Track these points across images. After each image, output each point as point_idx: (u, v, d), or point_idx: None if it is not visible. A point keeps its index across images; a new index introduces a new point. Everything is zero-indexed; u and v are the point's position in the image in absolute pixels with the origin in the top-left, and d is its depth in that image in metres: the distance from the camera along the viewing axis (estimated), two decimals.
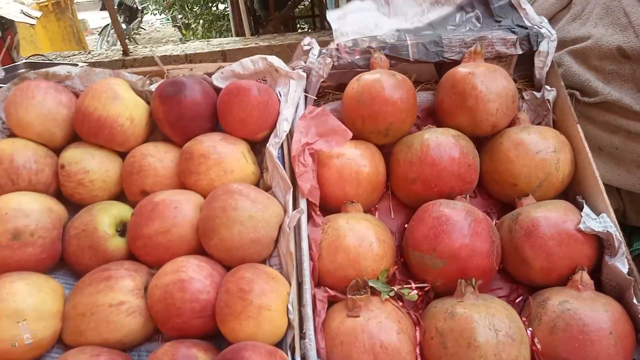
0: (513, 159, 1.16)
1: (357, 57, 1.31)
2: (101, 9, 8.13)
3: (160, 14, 9.88)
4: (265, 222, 1.02)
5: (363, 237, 1.05)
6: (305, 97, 1.28)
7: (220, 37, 7.41)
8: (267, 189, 1.15)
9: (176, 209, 1.05)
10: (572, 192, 1.21)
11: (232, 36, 5.93)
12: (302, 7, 6.15)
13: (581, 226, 1.02)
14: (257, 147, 1.25)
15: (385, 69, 1.27)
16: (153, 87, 1.25)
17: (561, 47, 1.40)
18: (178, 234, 1.03)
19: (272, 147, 1.13)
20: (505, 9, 1.41)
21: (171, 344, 0.90)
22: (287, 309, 0.95)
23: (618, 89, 1.31)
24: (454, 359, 0.89)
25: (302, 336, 0.93)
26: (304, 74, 1.24)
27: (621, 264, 0.98)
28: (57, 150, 1.20)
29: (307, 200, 1.10)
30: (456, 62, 1.30)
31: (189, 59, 3.96)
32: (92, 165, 1.15)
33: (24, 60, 3.07)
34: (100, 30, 8.90)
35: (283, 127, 1.16)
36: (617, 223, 1.05)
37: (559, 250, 1.02)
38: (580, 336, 0.91)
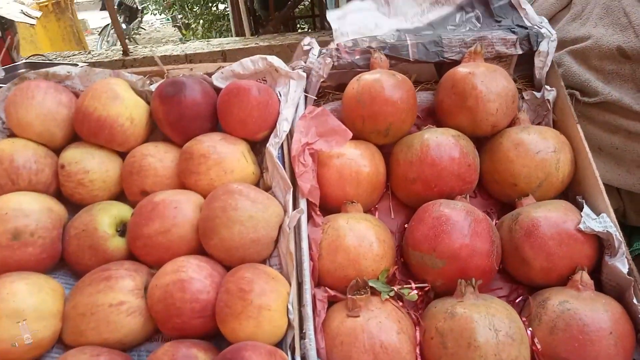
0: (513, 159, 1.15)
1: (357, 57, 1.31)
2: (101, 9, 8.13)
3: (160, 14, 9.88)
4: (265, 222, 1.02)
5: (363, 237, 1.05)
6: (305, 97, 1.28)
7: (220, 37, 7.41)
8: (267, 189, 1.15)
9: (176, 209, 1.04)
10: (572, 192, 1.21)
11: (232, 36, 5.93)
12: (302, 7, 6.15)
13: (581, 226, 1.02)
14: (257, 147, 1.25)
15: (385, 69, 1.27)
16: (153, 87, 1.25)
17: (561, 47, 1.41)
18: (178, 234, 1.03)
19: (272, 147, 1.13)
20: (505, 9, 1.41)
21: (171, 344, 0.90)
22: (287, 309, 0.95)
23: (618, 89, 1.31)
24: (454, 359, 0.89)
25: (302, 336, 0.93)
26: (304, 74, 1.24)
27: (621, 264, 0.98)
28: (57, 150, 1.20)
29: (307, 200, 1.10)
30: (456, 62, 1.30)
31: (189, 59, 3.96)
32: (92, 165, 1.15)
33: (24, 60, 3.07)
34: (100, 30, 8.90)
35: (283, 127, 1.16)
36: (617, 223, 1.05)
37: (559, 250, 1.02)
38: (580, 336, 0.91)
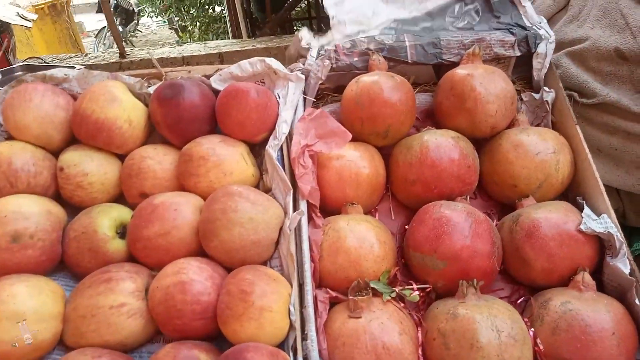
0: (512, 160, 1.16)
1: (356, 59, 1.31)
2: (97, 12, 8.09)
3: (157, 17, 9.87)
4: (266, 224, 1.02)
5: (364, 238, 1.05)
6: (304, 99, 1.28)
7: (216, 39, 7.39)
8: (267, 190, 1.15)
9: (176, 211, 1.04)
10: (572, 193, 1.21)
11: (228, 38, 5.93)
12: (299, 9, 6.14)
13: (582, 227, 1.02)
14: (257, 149, 1.25)
15: (384, 70, 1.27)
16: (151, 90, 1.25)
17: (559, 48, 1.41)
18: (178, 236, 1.03)
19: (272, 149, 1.13)
20: (505, 4, 1.40)
21: (172, 345, 0.90)
22: (289, 310, 0.95)
23: (616, 90, 1.31)
24: None
25: (304, 337, 0.93)
26: (303, 76, 1.24)
27: (623, 264, 0.98)
28: (56, 153, 1.20)
29: (307, 201, 1.10)
30: (454, 64, 1.30)
31: (186, 61, 3.95)
32: (91, 168, 1.15)
33: (20, 63, 3.05)
34: (96, 33, 8.88)
35: (282, 129, 1.16)
36: (617, 224, 1.05)
37: (560, 251, 1.02)
38: (582, 337, 0.91)
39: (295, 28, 6.08)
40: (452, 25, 1.39)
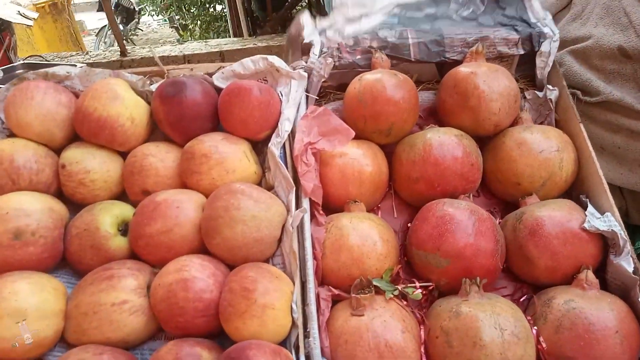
0: (516, 158, 1.15)
1: (359, 56, 1.31)
2: (98, 10, 8.08)
3: (158, 15, 9.84)
4: (268, 221, 1.01)
5: (366, 236, 1.05)
6: (306, 97, 1.28)
7: (217, 38, 7.39)
8: (269, 188, 1.14)
9: (178, 208, 1.04)
10: (575, 191, 1.21)
11: (229, 37, 5.93)
12: (300, 7, 6.14)
13: (586, 225, 1.01)
14: (259, 147, 1.24)
15: (387, 68, 1.27)
16: (153, 87, 1.25)
17: (562, 46, 1.40)
18: (180, 233, 1.03)
19: (274, 147, 1.13)
20: None
21: (175, 342, 0.90)
22: (291, 308, 0.95)
23: (619, 88, 1.31)
24: (460, 358, 0.89)
25: (306, 335, 0.93)
26: (305, 74, 1.24)
27: (626, 262, 0.98)
28: (57, 150, 1.19)
29: (310, 199, 1.10)
30: (457, 62, 1.30)
31: (187, 59, 3.96)
32: (93, 165, 1.15)
33: (21, 61, 3.05)
34: (97, 31, 8.87)
35: (285, 126, 1.15)
36: (621, 222, 1.05)
37: (564, 249, 1.01)
38: (586, 335, 0.90)
39: None
40: (457, 14, 1.38)
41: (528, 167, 1.14)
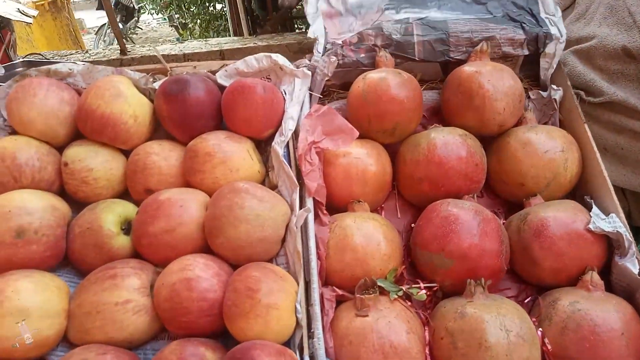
0: (521, 158, 1.15)
1: (362, 55, 1.30)
2: (97, 9, 8.08)
3: (157, 14, 9.83)
4: (272, 220, 1.01)
5: (371, 236, 1.04)
6: (310, 95, 1.27)
7: (217, 37, 7.38)
8: (273, 187, 1.14)
9: (182, 207, 1.03)
10: (580, 192, 1.20)
11: (229, 36, 5.91)
12: (300, 7, 6.14)
13: (591, 226, 1.01)
14: (262, 146, 1.24)
15: (391, 67, 1.26)
16: (156, 85, 1.24)
17: (565, 46, 1.39)
18: (183, 232, 1.02)
19: (278, 146, 1.12)
20: None
21: (178, 342, 0.89)
22: (295, 308, 0.94)
23: (623, 89, 1.30)
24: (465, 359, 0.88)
25: (311, 335, 0.92)
26: (309, 72, 1.23)
27: (631, 264, 0.98)
28: (60, 148, 1.19)
29: (314, 199, 1.09)
30: (462, 61, 1.29)
31: (187, 58, 3.94)
32: (96, 163, 1.14)
33: (21, 59, 3.04)
34: (96, 29, 8.86)
35: (288, 125, 1.15)
36: (626, 223, 1.04)
37: (569, 250, 1.01)
38: (591, 337, 0.90)
39: (296, 26, 6.07)
40: None
41: (533, 168, 1.14)
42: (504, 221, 1.17)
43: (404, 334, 0.91)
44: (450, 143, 1.14)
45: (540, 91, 1.31)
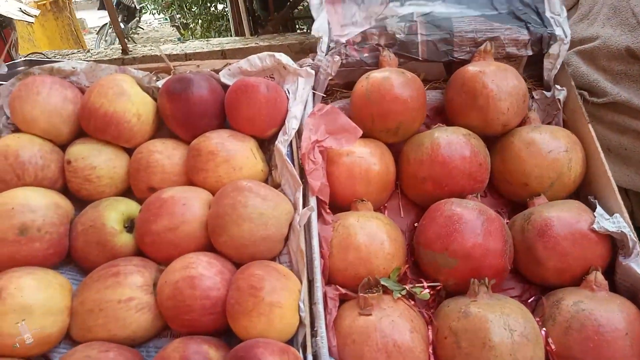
0: (525, 158, 1.15)
1: (366, 54, 1.30)
2: (99, 8, 8.09)
3: (159, 14, 9.84)
4: (276, 219, 1.01)
5: (374, 235, 1.04)
6: (313, 94, 1.27)
7: (219, 37, 7.38)
8: (276, 186, 1.14)
9: (185, 205, 1.03)
10: (583, 192, 1.20)
11: (231, 36, 5.92)
12: (301, 7, 6.14)
13: (595, 226, 1.01)
14: (265, 145, 1.24)
15: (394, 67, 1.26)
16: (159, 84, 1.24)
17: (569, 47, 1.40)
18: (186, 231, 1.02)
19: (281, 145, 1.12)
20: None
21: (181, 340, 0.89)
22: (299, 306, 0.94)
23: (627, 89, 1.30)
24: (469, 359, 0.88)
25: (314, 334, 0.92)
26: (313, 72, 1.23)
27: (635, 264, 0.98)
28: (63, 146, 1.19)
29: (317, 198, 1.09)
30: (465, 61, 1.29)
31: (189, 58, 3.94)
32: (99, 162, 1.14)
33: (23, 58, 3.05)
34: (98, 29, 8.87)
35: (292, 124, 1.15)
36: (630, 223, 1.04)
37: (573, 250, 1.01)
38: (595, 337, 0.90)
39: (297, 27, 6.08)
40: None
41: (536, 168, 1.14)
42: (508, 221, 1.17)
43: (408, 333, 0.91)
44: (454, 142, 1.14)
45: (544, 91, 1.30)
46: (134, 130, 1.16)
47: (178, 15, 9.00)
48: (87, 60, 1.28)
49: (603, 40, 1.34)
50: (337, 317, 0.97)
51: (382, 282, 0.99)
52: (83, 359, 0.87)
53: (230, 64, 1.28)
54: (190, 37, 8.45)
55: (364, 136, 1.16)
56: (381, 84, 1.18)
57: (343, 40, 1.30)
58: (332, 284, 1.03)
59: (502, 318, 0.89)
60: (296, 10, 5.80)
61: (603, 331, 0.90)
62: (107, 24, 8.30)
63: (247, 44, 4.13)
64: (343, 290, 1.00)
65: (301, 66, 1.24)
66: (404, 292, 1.00)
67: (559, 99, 1.26)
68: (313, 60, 1.29)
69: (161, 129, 1.25)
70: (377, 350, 0.89)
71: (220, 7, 8.20)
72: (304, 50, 3.86)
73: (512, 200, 1.24)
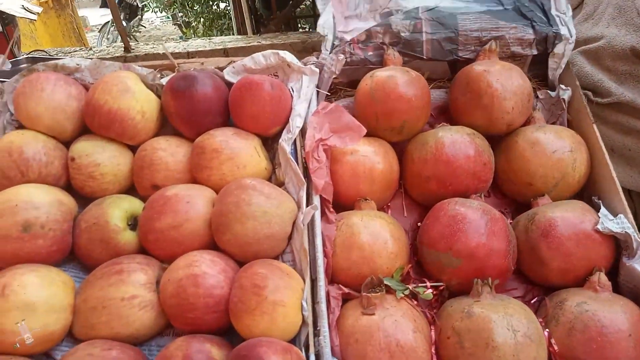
0: (529, 158, 1.14)
1: (370, 53, 1.30)
2: (101, 6, 8.10)
3: (161, 12, 9.84)
4: (279, 217, 1.01)
5: (378, 234, 1.04)
6: (317, 93, 1.27)
7: (221, 35, 7.38)
8: (280, 184, 1.13)
9: (188, 203, 1.03)
10: (587, 192, 1.20)
11: (233, 35, 5.91)
12: (304, 6, 6.14)
13: (599, 227, 1.01)
14: (269, 143, 1.24)
15: (399, 65, 1.26)
16: (164, 81, 1.24)
17: (574, 47, 1.40)
18: (190, 228, 1.02)
19: (285, 143, 1.12)
20: None
21: (184, 338, 0.89)
22: (302, 305, 0.93)
23: (631, 89, 1.30)
24: (472, 359, 0.88)
25: (316, 333, 0.92)
26: (317, 70, 1.23)
27: (639, 265, 0.97)
28: (67, 143, 1.19)
29: (321, 196, 1.09)
30: (470, 60, 1.29)
31: (191, 56, 3.93)
32: (103, 159, 1.14)
33: (25, 55, 3.05)
34: (100, 27, 8.87)
35: (296, 122, 1.15)
36: (634, 224, 1.04)
37: (577, 250, 1.01)
38: (598, 338, 0.89)
39: (299, 26, 6.08)
40: None
41: (541, 167, 1.13)
42: (511, 221, 1.17)
43: (411, 332, 0.91)
44: (458, 142, 1.13)
45: (549, 91, 1.30)
46: (138, 128, 1.16)
47: (180, 14, 8.99)
48: (89, 58, 1.28)
49: (608, 40, 1.33)
50: (339, 317, 0.97)
51: (385, 282, 0.98)
52: (85, 357, 0.87)
53: (234, 61, 1.28)
54: (192, 35, 8.44)
55: (368, 135, 1.15)
56: (386, 82, 1.18)
57: (347, 38, 1.29)
58: (335, 283, 1.03)
59: (505, 318, 0.88)
60: (298, 10, 5.80)
61: (606, 332, 0.89)
62: (109, 22, 8.29)
63: (249, 43, 4.13)
64: (346, 290, 1.00)
65: (305, 64, 1.24)
66: (407, 292, 0.99)
67: (563, 99, 1.26)
68: (317, 58, 1.29)
69: (165, 126, 1.25)
70: (379, 350, 0.89)
71: (222, 5, 8.19)
72: (306, 49, 3.86)
73: (515, 200, 1.24)
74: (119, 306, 0.93)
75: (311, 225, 1.04)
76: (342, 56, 1.26)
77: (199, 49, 4.04)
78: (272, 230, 1.00)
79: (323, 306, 0.94)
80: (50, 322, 0.92)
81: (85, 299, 0.95)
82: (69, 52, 4.07)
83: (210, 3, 8.23)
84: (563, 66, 1.30)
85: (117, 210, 1.06)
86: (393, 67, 1.24)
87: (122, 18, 7.78)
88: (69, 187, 1.17)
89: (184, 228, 1.01)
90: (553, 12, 1.31)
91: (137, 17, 9.24)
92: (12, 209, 1.00)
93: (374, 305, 0.94)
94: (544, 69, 1.32)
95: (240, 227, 0.98)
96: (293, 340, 0.94)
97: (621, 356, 0.88)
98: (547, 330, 0.95)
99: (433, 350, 0.94)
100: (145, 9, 9.78)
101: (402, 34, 1.28)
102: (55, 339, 0.94)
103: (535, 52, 1.28)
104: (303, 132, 1.15)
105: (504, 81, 1.16)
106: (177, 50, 4.00)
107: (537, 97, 1.31)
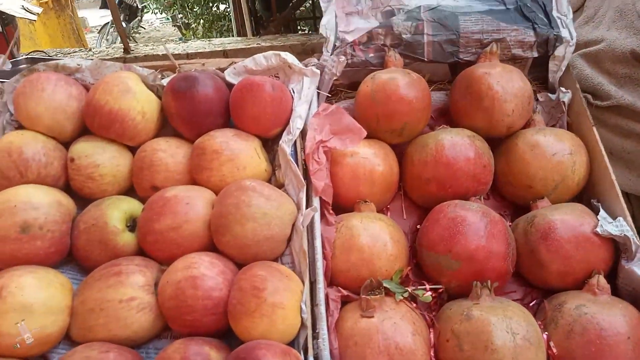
0: (529, 160, 1.14)
1: (371, 55, 1.30)
2: (101, 7, 8.10)
3: (161, 13, 9.84)
4: (279, 219, 1.00)
5: (377, 236, 1.04)
6: (318, 94, 1.26)
7: (220, 37, 7.38)
8: (280, 186, 1.13)
9: (188, 204, 1.03)
10: (587, 195, 1.20)
11: (232, 36, 5.91)
12: (304, 8, 6.14)
13: (598, 229, 1.01)
14: (269, 145, 1.24)
15: (400, 67, 1.26)
16: (164, 82, 1.24)
17: (574, 49, 1.40)
18: (189, 230, 1.02)
19: (285, 144, 1.12)
20: None
21: (182, 341, 0.88)
22: (301, 308, 0.93)
23: (631, 92, 1.30)
24: None
25: (315, 336, 0.92)
26: (318, 71, 1.23)
27: (638, 268, 0.98)
28: (67, 144, 1.19)
29: (320, 198, 1.09)
30: (471, 62, 1.29)
31: (191, 57, 3.93)
32: (103, 160, 1.14)
33: (24, 56, 3.04)
34: (99, 28, 8.87)
35: (296, 124, 1.15)
36: (634, 227, 1.04)
37: (576, 253, 1.01)
38: (597, 341, 0.89)
39: (299, 28, 6.08)
40: None
41: (541, 170, 1.13)
42: (510, 224, 1.17)
43: (410, 335, 0.91)
44: (458, 144, 1.13)
45: (549, 94, 1.30)
46: (138, 128, 1.16)
47: (180, 15, 8.99)
48: (89, 59, 1.28)
49: (608, 43, 1.34)
50: (339, 319, 0.96)
51: (385, 284, 0.98)
52: None
53: (235, 62, 1.28)
54: (192, 37, 8.44)
55: (368, 137, 1.15)
56: (387, 84, 1.18)
57: (349, 38, 1.29)
58: (334, 285, 1.03)
59: (504, 321, 0.88)
60: (298, 12, 5.80)
61: (605, 335, 0.89)
62: (108, 23, 8.30)
63: (249, 45, 4.13)
64: (345, 292, 1.00)
65: (306, 66, 1.24)
66: (406, 294, 0.99)
67: (563, 102, 1.26)
68: (318, 60, 1.29)
69: (165, 127, 1.25)
70: (379, 352, 0.89)
71: (222, 7, 8.19)
72: (306, 51, 3.86)
73: (515, 202, 1.24)
74: (116, 308, 0.92)
75: (311, 227, 1.04)
76: (343, 58, 1.26)
77: (199, 51, 4.04)
78: (272, 232, 0.99)
79: (322, 308, 0.94)
80: (48, 324, 0.91)
81: (83, 301, 0.95)
82: (68, 53, 4.07)
83: (210, 4, 8.23)
84: (563, 69, 1.30)
85: (116, 212, 1.06)
86: (394, 69, 1.24)
87: (121, 19, 7.79)
88: (68, 188, 1.17)
89: (183, 229, 1.01)
90: (554, 13, 1.30)
91: (136, 19, 9.25)
92: (11, 209, 1.00)
93: (373, 307, 0.94)
94: (544, 71, 1.32)
95: (239, 228, 0.98)
96: (292, 343, 0.94)
97: (620, 359, 0.88)
98: (546, 333, 0.95)
99: (432, 353, 0.94)
100: (145, 10, 9.78)
101: (404, 36, 1.28)
102: (52, 341, 0.94)
103: (536, 54, 1.28)
104: (303, 133, 1.15)
105: (505, 83, 1.16)
106: (176, 52, 3.99)
107: (537, 99, 1.31)
